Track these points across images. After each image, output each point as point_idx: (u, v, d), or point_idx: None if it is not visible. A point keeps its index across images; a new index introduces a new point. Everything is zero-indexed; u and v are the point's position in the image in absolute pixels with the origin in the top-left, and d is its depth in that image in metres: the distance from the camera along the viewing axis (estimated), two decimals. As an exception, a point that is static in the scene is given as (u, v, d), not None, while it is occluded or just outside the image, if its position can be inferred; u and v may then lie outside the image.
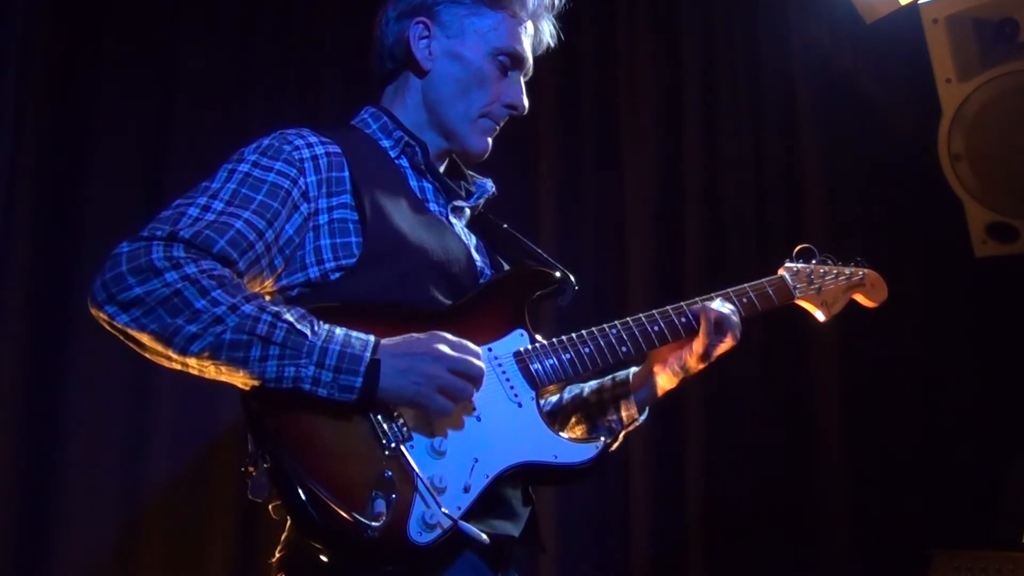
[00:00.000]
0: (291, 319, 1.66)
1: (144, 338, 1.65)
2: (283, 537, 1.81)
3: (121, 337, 1.69)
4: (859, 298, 2.36)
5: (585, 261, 3.81)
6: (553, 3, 2.11)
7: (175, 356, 1.65)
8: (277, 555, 1.81)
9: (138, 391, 3.36)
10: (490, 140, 2.08)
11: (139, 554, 3.34)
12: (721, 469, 3.65)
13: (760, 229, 3.84)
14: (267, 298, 1.79)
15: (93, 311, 1.67)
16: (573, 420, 2.18)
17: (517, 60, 2.04)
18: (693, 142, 3.90)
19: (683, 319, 2.05)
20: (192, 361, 1.65)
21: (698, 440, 3.68)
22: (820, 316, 2.30)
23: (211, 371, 1.67)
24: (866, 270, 2.37)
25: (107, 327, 1.68)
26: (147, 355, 1.70)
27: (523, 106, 2.06)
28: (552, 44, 2.13)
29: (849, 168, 3.82)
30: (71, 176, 3.47)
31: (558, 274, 2.03)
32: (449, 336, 1.75)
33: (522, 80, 2.08)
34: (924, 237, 3.71)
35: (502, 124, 2.09)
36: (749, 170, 3.89)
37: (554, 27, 2.12)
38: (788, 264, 2.29)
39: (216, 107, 3.63)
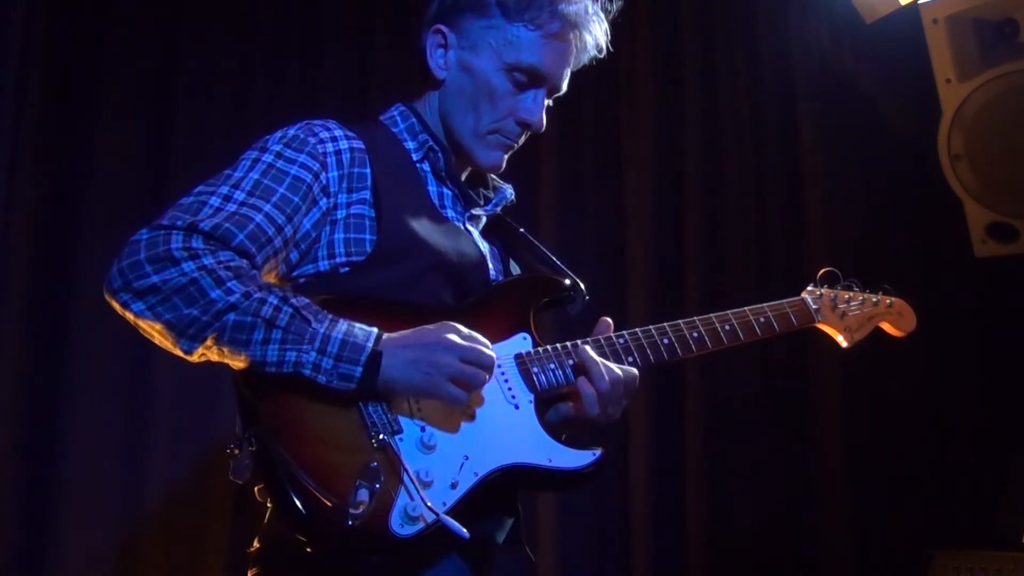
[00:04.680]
0: (297, 304, 1.66)
1: (157, 327, 1.64)
2: (261, 527, 1.77)
3: (131, 324, 1.68)
4: (886, 327, 2.33)
5: (585, 261, 3.80)
6: (588, 11, 1.97)
7: (186, 346, 1.65)
8: (254, 546, 1.78)
9: (138, 391, 3.35)
10: (503, 155, 2.02)
11: (139, 555, 3.33)
12: (721, 468, 3.65)
13: (760, 229, 3.84)
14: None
15: (107, 297, 1.67)
16: None
17: (535, 76, 1.96)
18: (693, 142, 3.90)
19: (695, 334, 2.02)
20: (198, 349, 1.65)
21: (698, 440, 3.67)
22: (843, 342, 2.27)
23: (214, 353, 1.67)
24: (894, 298, 2.34)
25: (120, 313, 1.67)
26: (155, 342, 1.70)
27: (537, 124, 1.99)
28: (599, 53, 2.03)
29: (849, 168, 3.82)
30: (71, 174, 3.46)
31: (568, 282, 2.01)
32: (459, 326, 1.74)
33: (544, 97, 1.99)
34: (924, 237, 3.71)
35: (519, 141, 2.02)
36: (749, 170, 3.89)
37: (601, 34, 2.00)
38: (810, 288, 2.27)
39: (217, 103, 3.62)
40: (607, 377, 1.86)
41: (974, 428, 3.59)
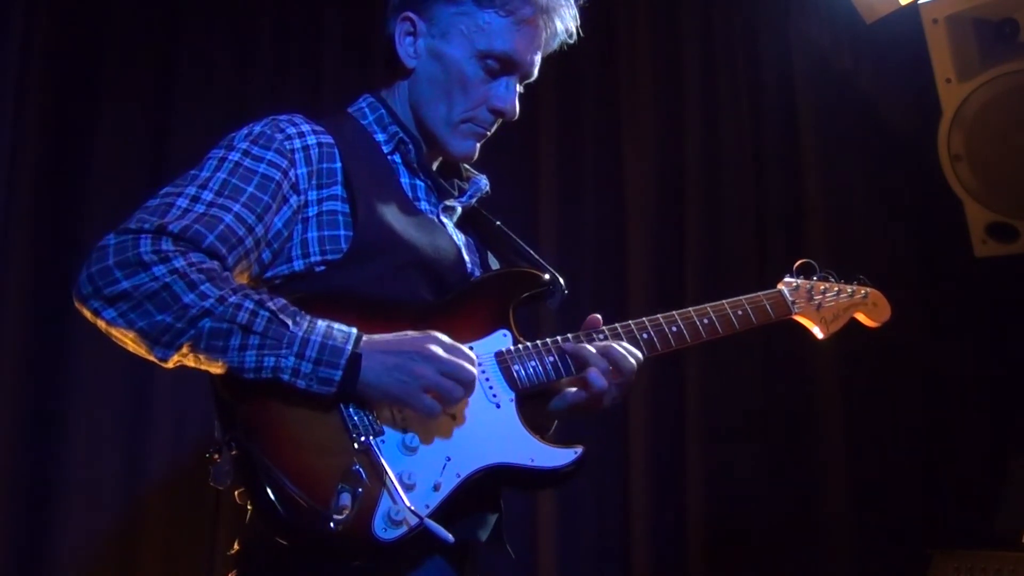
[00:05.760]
0: (273, 308, 1.62)
1: (130, 335, 1.60)
2: (242, 529, 1.76)
3: (103, 332, 1.64)
4: (860, 317, 2.33)
5: (585, 261, 3.80)
6: None
7: (160, 354, 1.61)
8: (235, 548, 1.77)
9: (138, 388, 3.35)
10: (476, 144, 1.98)
11: (139, 551, 3.33)
12: (721, 468, 3.65)
13: (760, 229, 3.84)
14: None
15: (77, 305, 1.62)
16: None
17: (507, 63, 1.92)
18: (693, 142, 3.90)
19: (674, 328, 2.01)
20: (173, 356, 1.62)
21: (698, 440, 3.67)
22: (819, 333, 2.28)
23: (190, 360, 1.63)
24: (869, 288, 2.34)
25: (91, 321, 1.63)
26: (129, 349, 1.66)
27: (511, 112, 1.95)
28: (569, 38, 2.00)
29: (849, 168, 3.82)
30: (71, 171, 3.46)
31: (547, 276, 1.97)
32: (444, 337, 1.71)
33: (516, 84, 1.96)
34: (924, 237, 3.71)
35: (492, 129, 1.99)
36: (749, 170, 3.89)
37: (571, 19, 1.97)
38: (787, 279, 2.26)
39: (217, 98, 3.61)
40: (614, 364, 1.87)
41: (974, 428, 3.59)
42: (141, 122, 3.56)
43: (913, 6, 3.32)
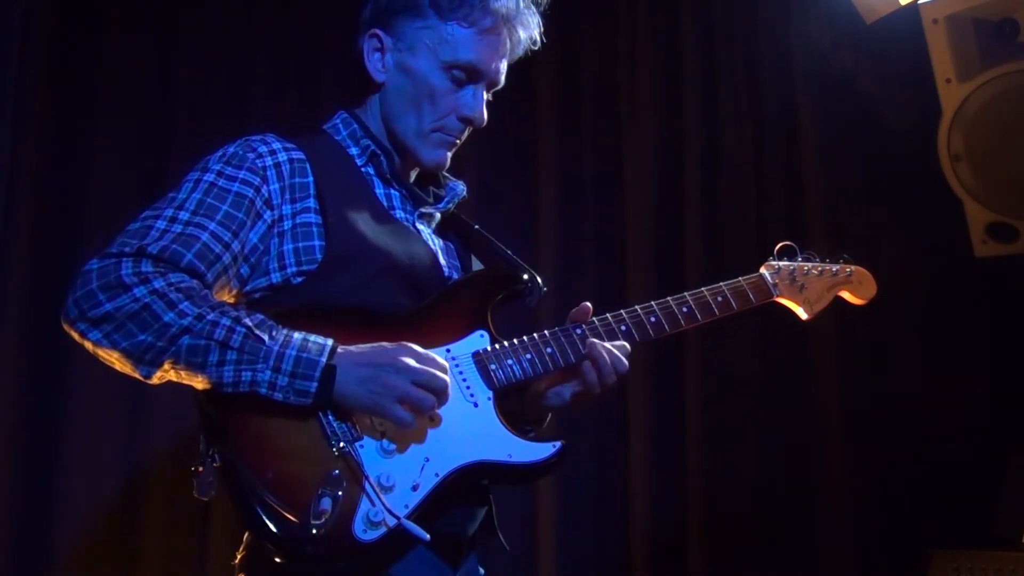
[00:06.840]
0: (250, 324, 1.68)
1: (115, 355, 1.67)
2: (244, 537, 1.81)
3: (91, 352, 1.71)
4: (846, 295, 2.33)
5: (585, 260, 3.81)
6: (519, 5, 2.00)
7: (144, 371, 1.68)
8: (238, 556, 1.82)
9: (138, 388, 3.34)
10: (447, 152, 2.04)
11: (138, 551, 3.34)
12: (721, 468, 3.65)
13: (760, 229, 3.84)
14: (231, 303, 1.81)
15: (65, 327, 1.69)
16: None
17: (473, 72, 1.99)
18: (693, 142, 3.90)
19: (652, 318, 2.04)
20: (156, 373, 1.68)
21: (698, 439, 3.68)
22: (803, 314, 2.27)
23: (172, 375, 1.70)
24: (853, 267, 2.34)
25: (79, 343, 1.70)
26: (116, 368, 1.72)
27: (479, 119, 2.01)
28: (532, 47, 2.05)
29: (849, 168, 3.82)
30: (71, 175, 3.46)
31: (525, 276, 2.02)
32: (417, 348, 1.75)
33: (483, 92, 2.02)
34: (924, 237, 3.71)
35: (462, 137, 2.05)
36: (749, 170, 3.89)
37: (534, 26, 2.03)
38: (770, 262, 2.27)
39: (217, 102, 3.63)
40: (607, 358, 1.93)
41: (974, 428, 3.59)
42: (141, 124, 3.57)
43: (913, 6, 3.32)
